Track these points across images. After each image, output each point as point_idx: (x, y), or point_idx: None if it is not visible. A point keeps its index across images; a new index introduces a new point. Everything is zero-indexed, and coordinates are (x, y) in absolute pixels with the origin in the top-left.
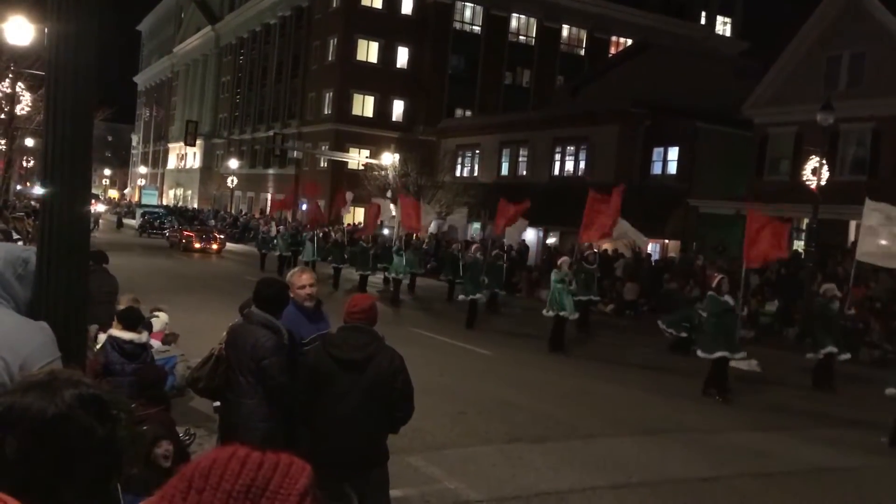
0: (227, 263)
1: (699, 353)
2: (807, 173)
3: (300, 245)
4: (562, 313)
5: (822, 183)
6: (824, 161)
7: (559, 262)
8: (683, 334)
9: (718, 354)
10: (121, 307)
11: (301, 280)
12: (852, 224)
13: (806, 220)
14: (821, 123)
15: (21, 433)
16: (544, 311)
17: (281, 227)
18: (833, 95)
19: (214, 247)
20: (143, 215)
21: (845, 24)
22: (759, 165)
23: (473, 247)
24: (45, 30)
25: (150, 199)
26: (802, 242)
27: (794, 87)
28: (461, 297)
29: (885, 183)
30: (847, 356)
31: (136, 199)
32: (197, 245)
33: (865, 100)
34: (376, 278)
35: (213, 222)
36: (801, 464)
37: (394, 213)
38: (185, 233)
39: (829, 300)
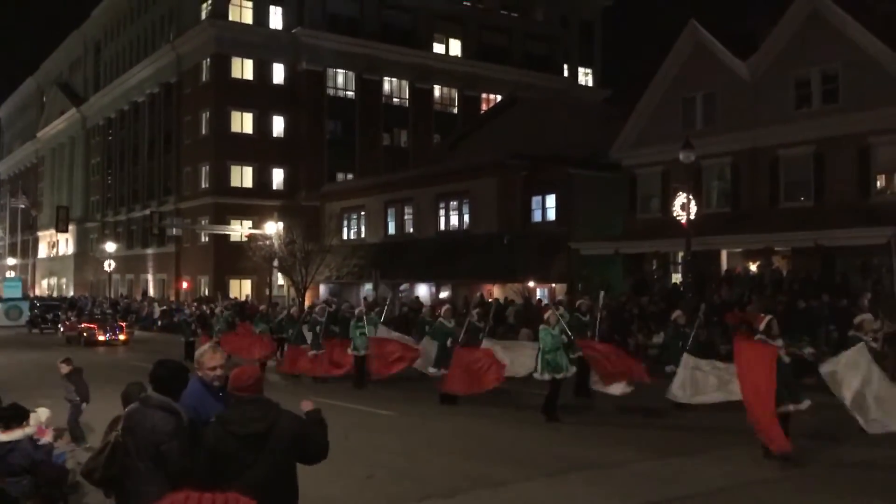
0: (133, 354)
1: None
2: (676, 209)
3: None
4: (558, 376)
5: (692, 217)
6: (691, 196)
7: (546, 317)
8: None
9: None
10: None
11: (213, 361)
12: (723, 253)
13: (680, 254)
14: (683, 161)
15: None
16: (536, 375)
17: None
18: (691, 134)
19: (122, 337)
20: (25, 308)
21: (695, 68)
22: (631, 205)
23: (444, 309)
24: None
25: (14, 291)
26: (679, 275)
27: (655, 128)
28: (431, 370)
29: (746, 213)
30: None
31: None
32: (101, 337)
33: (721, 136)
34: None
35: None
36: (703, 486)
37: (281, 283)
38: (86, 325)
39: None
